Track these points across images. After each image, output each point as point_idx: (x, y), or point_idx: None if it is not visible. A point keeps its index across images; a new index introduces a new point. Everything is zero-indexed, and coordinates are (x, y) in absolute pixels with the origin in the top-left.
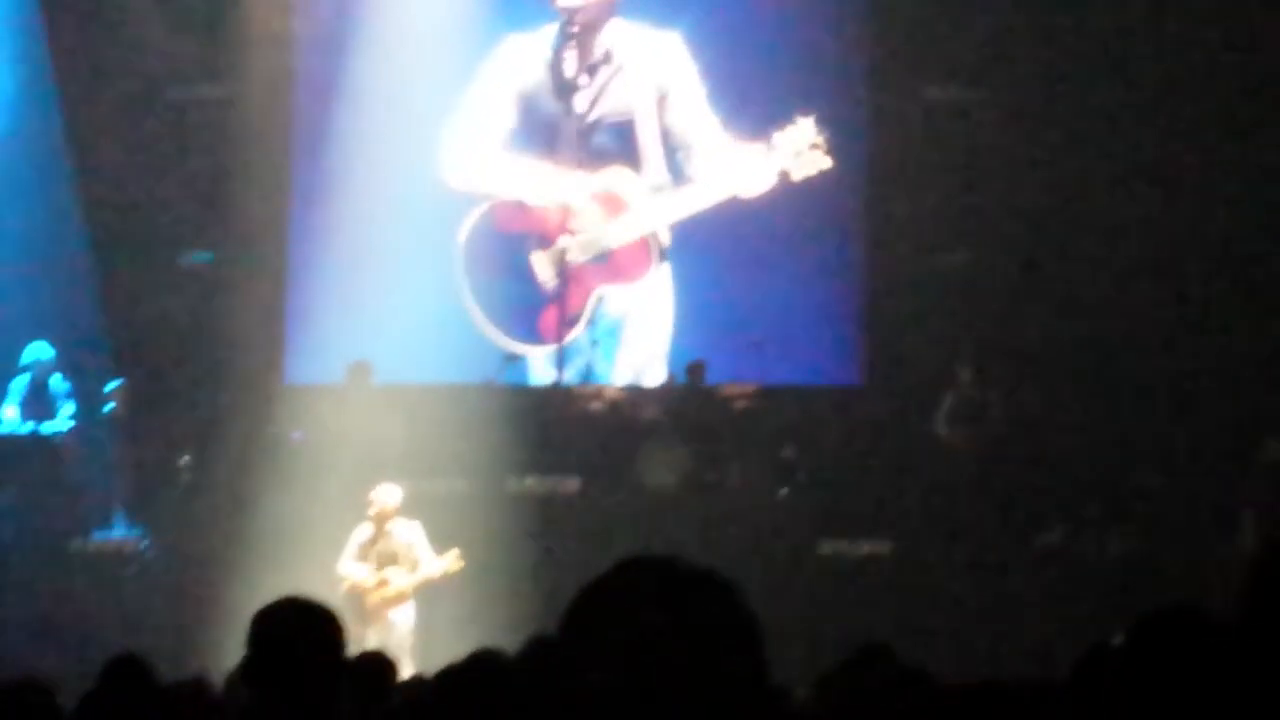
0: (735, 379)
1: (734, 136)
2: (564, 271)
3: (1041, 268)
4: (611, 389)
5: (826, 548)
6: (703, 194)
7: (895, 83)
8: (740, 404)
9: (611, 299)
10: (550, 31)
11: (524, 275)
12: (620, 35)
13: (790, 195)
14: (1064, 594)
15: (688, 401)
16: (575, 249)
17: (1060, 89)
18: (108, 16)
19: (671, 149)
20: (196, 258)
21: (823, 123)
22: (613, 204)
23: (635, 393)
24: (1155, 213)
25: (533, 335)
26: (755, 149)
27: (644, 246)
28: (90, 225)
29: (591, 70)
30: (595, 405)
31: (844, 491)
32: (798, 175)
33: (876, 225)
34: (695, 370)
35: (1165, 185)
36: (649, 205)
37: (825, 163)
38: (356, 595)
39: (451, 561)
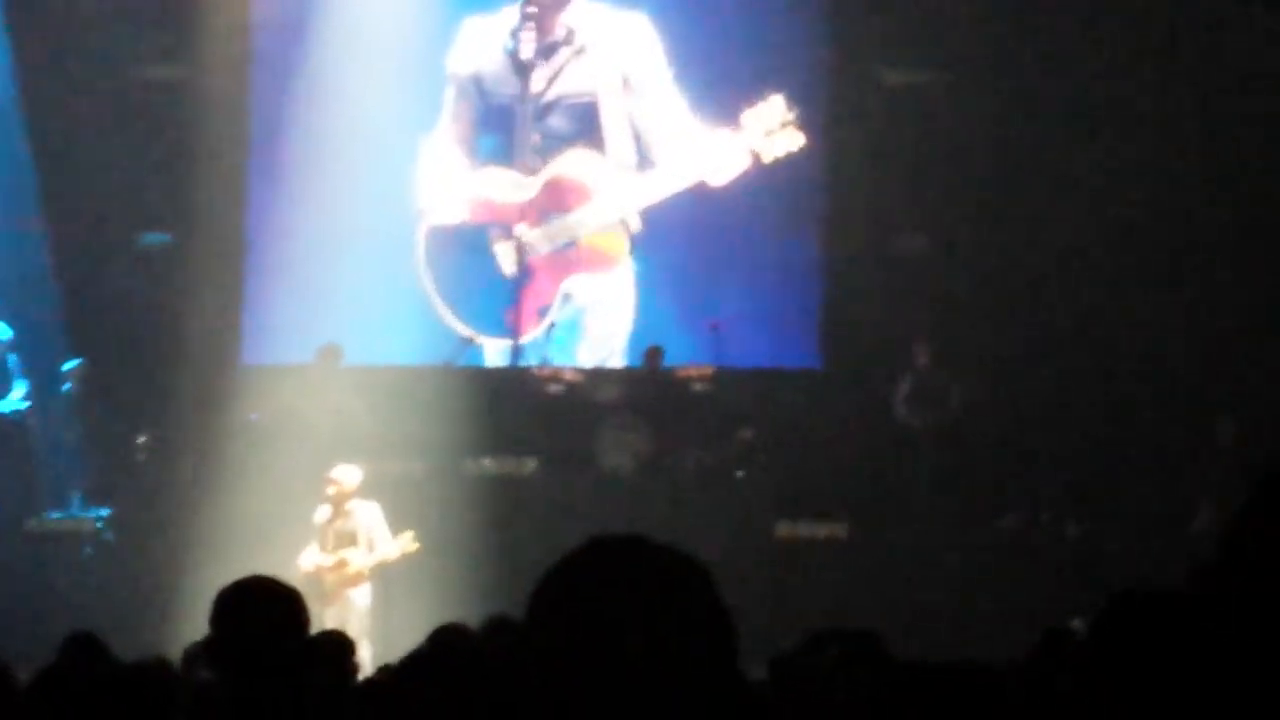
0: (694, 362)
1: (702, 120)
2: (524, 263)
3: (998, 251)
4: (569, 371)
5: (784, 529)
6: (670, 179)
7: (854, 67)
8: (698, 386)
9: (577, 291)
10: (511, 14)
11: (487, 267)
12: (583, 16)
13: (750, 179)
14: (1021, 577)
15: (645, 383)
16: (538, 239)
17: (1018, 72)
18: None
19: (637, 133)
20: (153, 239)
21: (791, 102)
22: (579, 192)
23: (593, 374)
24: (1114, 196)
25: (496, 328)
26: (723, 132)
27: (614, 235)
28: (47, 205)
29: (549, 51)
30: (553, 387)
31: (802, 474)
32: (769, 156)
33: (836, 209)
34: (653, 355)
35: (1125, 168)
36: (615, 190)
37: (798, 140)
38: (315, 575)
39: (407, 543)
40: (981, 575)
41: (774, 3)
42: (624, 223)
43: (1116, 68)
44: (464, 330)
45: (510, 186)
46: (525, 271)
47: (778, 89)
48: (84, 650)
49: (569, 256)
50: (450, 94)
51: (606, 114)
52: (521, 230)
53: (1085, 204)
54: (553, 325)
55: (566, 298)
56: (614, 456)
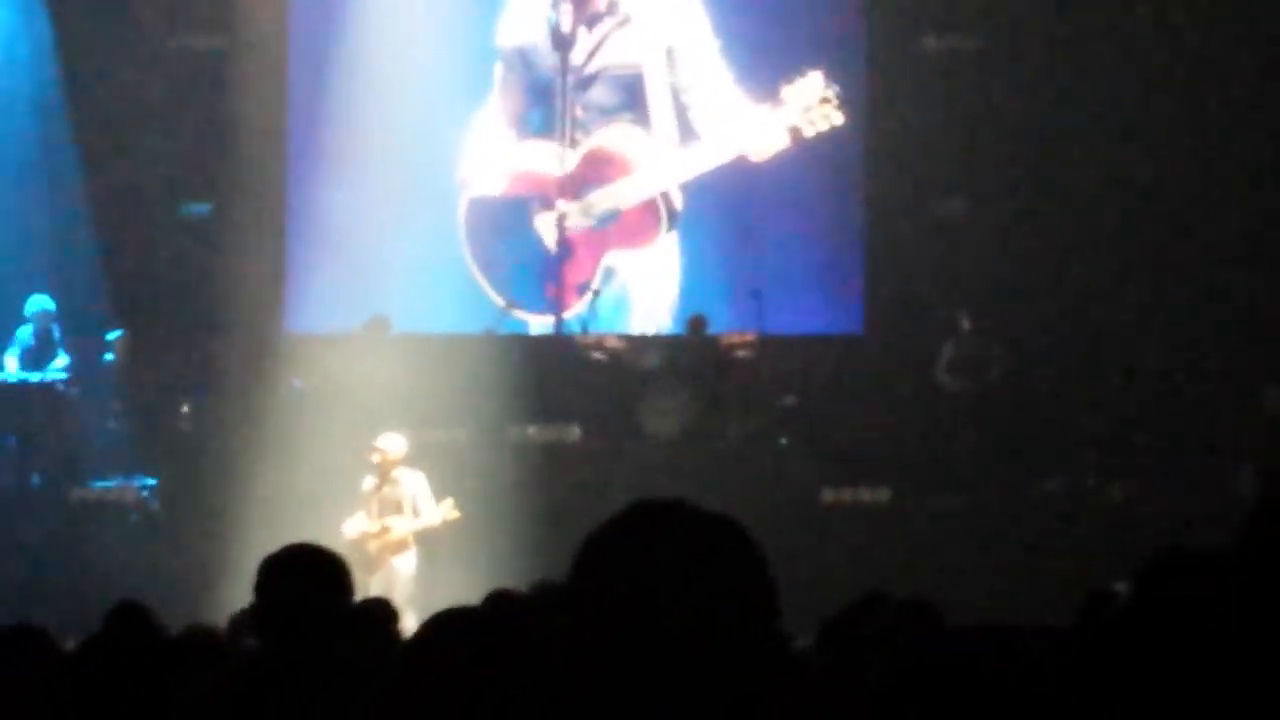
0: (737, 328)
1: (747, 94)
2: (564, 238)
3: (1040, 217)
4: (612, 338)
5: (827, 495)
6: (711, 154)
7: (893, 33)
8: (741, 353)
9: (619, 265)
10: None
11: (528, 241)
12: None
13: (792, 148)
14: (1064, 541)
15: (688, 350)
16: (577, 213)
17: (1056, 38)
18: None
19: (681, 106)
20: (195, 209)
21: (830, 77)
22: (619, 165)
23: (636, 341)
24: (1153, 161)
25: (538, 303)
26: (763, 108)
27: (653, 210)
28: (89, 177)
29: (591, 22)
30: (596, 354)
31: (844, 440)
32: (809, 132)
33: (877, 175)
34: (696, 324)
35: (1164, 134)
36: (655, 163)
37: (837, 118)
38: (359, 542)
39: (448, 510)
40: (1025, 539)
41: None
42: (665, 196)
43: (1157, 31)
44: (509, 313)
45: (551, 159)
46: (566, 246)
47: (816, 64)
48: (130, 620)
49: (609, 231)
50: (498, 67)
51: (651, 86)
52: (561, 204)
53: (1128, 168)
54: (596, 293)
55: (609, 272)
56: (657, 423)
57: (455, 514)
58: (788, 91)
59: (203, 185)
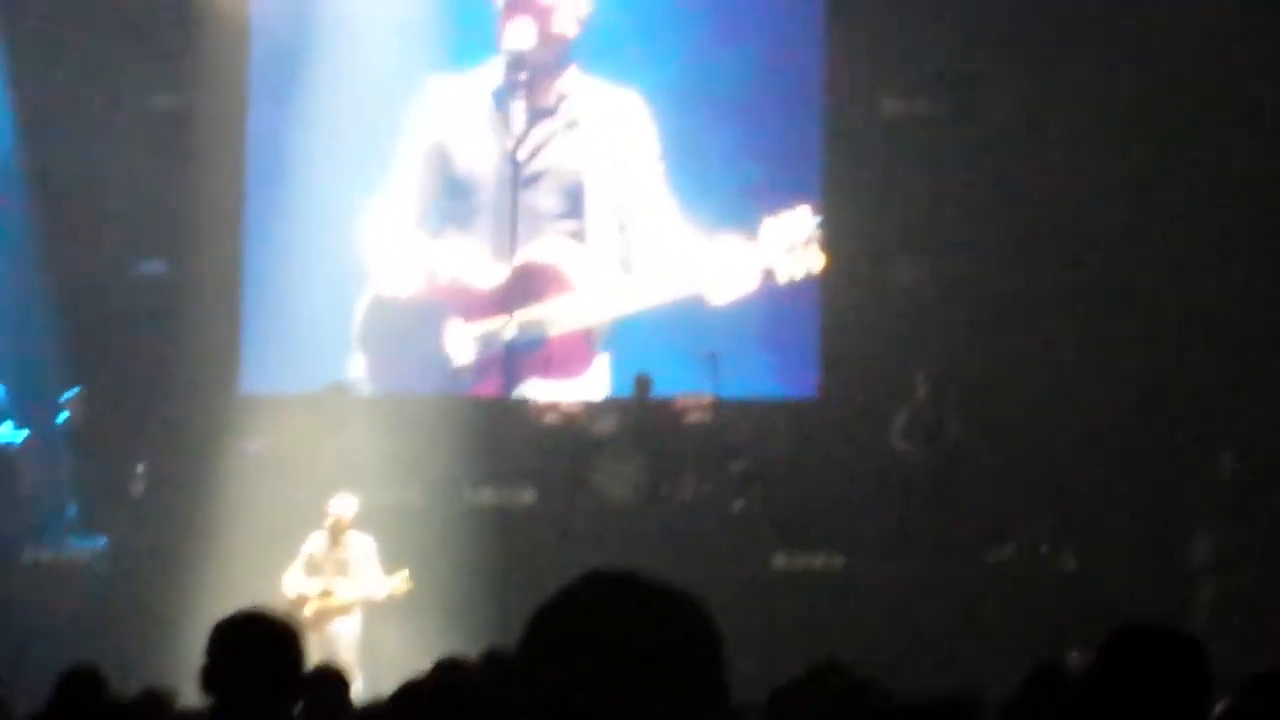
0: (690, 391)
1: (700, 223)
2: (481, 358)
3: (997, 281)
4: (566, 401)
5: (780, 561)
6: (663, 290)
7: (851, 96)
8: (695, 416)
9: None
10: (484, 74)
11: (432, 354)
12: (576, 86)
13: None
14: (1016, 610)
15: (642, 414)
16: (501, 331)
17: (1016, 100)
18: (65, 28)
19: (622, 224)
20: (150, 268)
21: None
22: (554, 282)
23: (590, 405)
24: (1112, 228)
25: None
26: (734, 242)
27: (586, 340)
28: (45, 234)
29: (536, 118)
30: (550, 417)
31: (798, 505)
32: (784, 277)
33: (832, 238)
34: (642, 383)
35: (1124, 200)
36: (597, 291)
37: (818, 261)
38: (297, 603)
39: (399, 584)
40: (979, 607)
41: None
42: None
43: (1113, 96)
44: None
45: (476, 266)
46: (481, 366)
47: (786, 189)
48: (82, 685)
49: (533, 357)
50: (412, 155)
51: (591, 200)
52: (483, 322)
53: (1087, 232)
54: (714, 356)
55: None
56: (611, 487)
57: (407, 586)
58: (769, 225)
59: (159, 244)
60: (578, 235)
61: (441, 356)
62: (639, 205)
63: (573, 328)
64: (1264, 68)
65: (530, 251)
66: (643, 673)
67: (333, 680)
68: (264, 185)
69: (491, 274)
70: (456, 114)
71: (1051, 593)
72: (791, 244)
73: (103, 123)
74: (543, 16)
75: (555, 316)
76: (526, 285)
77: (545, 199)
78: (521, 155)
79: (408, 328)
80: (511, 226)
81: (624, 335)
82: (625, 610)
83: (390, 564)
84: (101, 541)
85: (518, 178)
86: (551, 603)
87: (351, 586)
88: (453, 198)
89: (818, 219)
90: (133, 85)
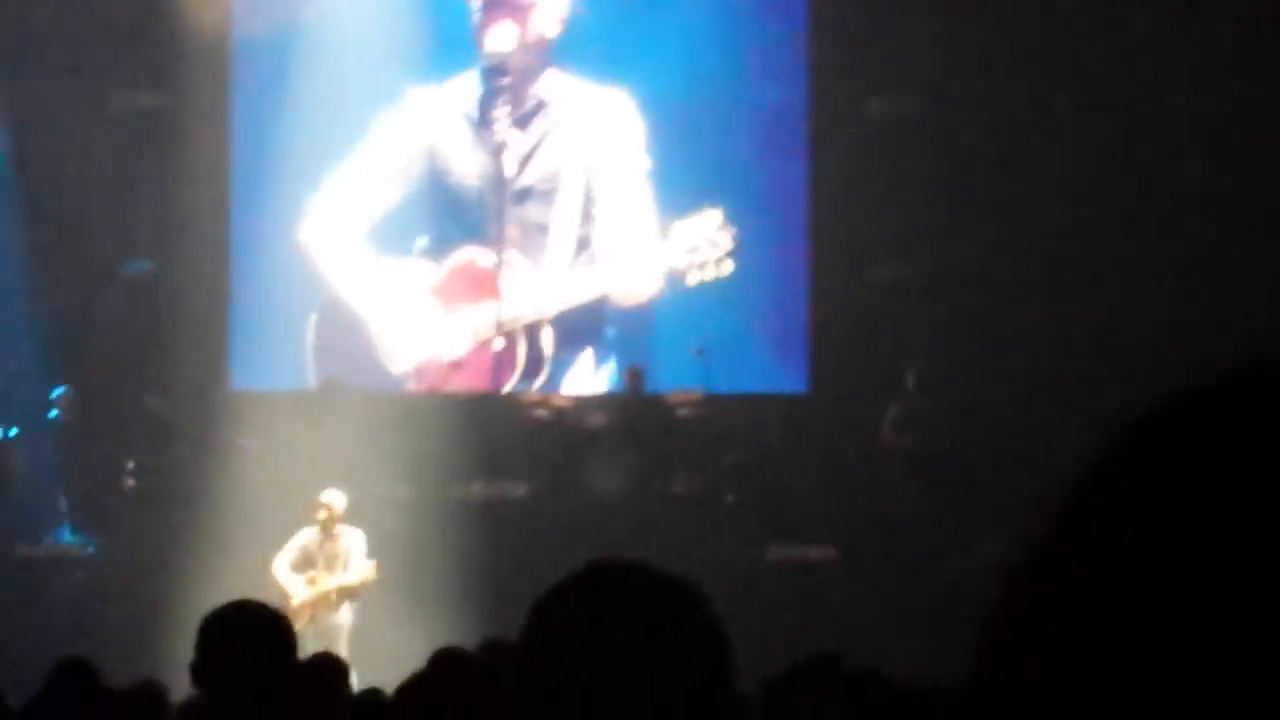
0: (682, 387)
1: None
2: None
3: (986, 276)
4: (558, 396)
5: (774, 554)
6: (577, 290)
7: (836, 95)
8: (686, 411)
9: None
10: (461, 84)
11: (374, 367)
12: (560, 89)
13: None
14: None
15: (634, 409)
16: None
17: (1001, 99)
18: (46, 25)
19: (592, 218)
20: (137, 266)
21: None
22: (486, 287)
23: (582, 399)
24: (1097, 225)
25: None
26: (643, 243)
27: (509, 357)
28: (31, 234)
29: (520, 126)
30: (542, 412)
31: (791, 498)
32: (694, 278)
33: (822, 235)
34: (634, 376)
35: (1107, 198)
36: (519, 293)
37: (726, 268)
38: (281, 596)
39: (369, 571)
40: (971, 598)
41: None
42: (531, 334)
43: (1101, 94)
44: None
45: (414, 272)
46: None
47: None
48: (75, 676)
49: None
50: (378, 164)
51: (569, 195)
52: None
53: (1074, 230)
54: (702, 353)
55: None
56: (604, 482)
57: (374, 576)
58: (680, 228)
59: (146, 242)
60: (544, 230)
61: (381, 363)
62: (612, 202)
63: (489, 335)
64: (1251, 70)
65: (468, 254)
66: (651, 661)
67: (331, 669)
68: (250, 182)
69: (427, 278)
70: (435, 126)
71: None
72: (695, 246)
73: (88, 122)
74: (523, 17)
75: (479, 323)
76: (457, 289)
77: (534, 206)
78: (508, 165)
79: (352, 340)
80: (499, 235)
81: (616, 329)
82: (632, 598)
83: (381, 559)
84: (92, 538)
85: (504, 188)
86: (556, 591)
87: (332, 578)
88: (436, 210)
89: (729, 224)
90: (114, 83)
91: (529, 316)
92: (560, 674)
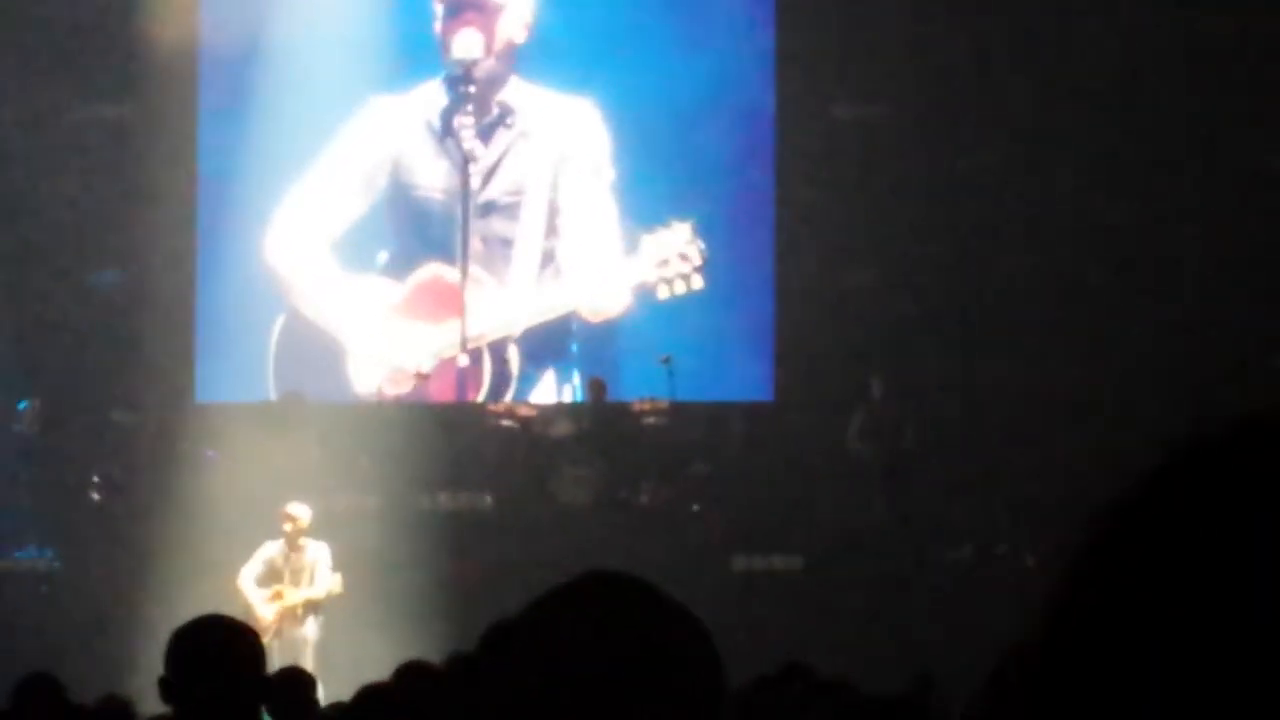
0: (647, 396)
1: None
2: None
3: (950, 282)
4: (523, 406)
5: (739, 563)
6: (545, 307)
7: (802, 100)
8: (651, 420)
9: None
10: (425, 93)
11: (340, 385)
12: (525, 97)
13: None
14: (975, 609)
15: (599, 418)
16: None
17: (968, 103)
18: (10, 36)
19: (557, 230)
20: (104, 278)
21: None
22: (451, 303)
23: (547, 409)
24: (1063, 228)
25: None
26: (611, 258)
27: (474, 374)
28: None
29: (485, 135)
30: (507, 422)
31: (756, 507)
32: (664, 293)
33: (786, 243)
34: (596, 387)
35: (1074, 201)
36: (487, 310)
37: (697, 283)
38: (246, 610)
39: (335, 584)
40: (937, 607)
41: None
42: (497, 351)
43: (1064, 100)
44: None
45: (378, 287)
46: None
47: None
48: (40, 692)
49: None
50: (341, 174)
51: (533, 206)
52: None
53: (1040, 236)
54: (668, 360)
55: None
56: (569, 492)
57: (339, 590)
58: (648, 242)
59: (112, 254)
60: (509, 245)
61: (345, 376)
62: (578, 216)
63: (454, 353)
64: (1229, 69)
65: (433, 269)
66: (641, 672)
67: (299, 682)
68: (215, 195)
69: (391, 294)
70: (398, 136)
71: (1009, 593)
72: (665, 259)
73: (52, 133)
74: (488, 23)
75: (444, 340)
76: (422, 305)
77: (498, 220)
78: (472, 178)
79: (315, 353)
80: (463, 245)
81: (579, 340)
82: (626, 610)
83: (346, 570)
84: (58, 551)
85: (468, 201)
86: (546, 600)
87: (297, 591)
88: (400, 223)
89: (698, 237)
90: (81, 95)
91: (495, 334)
92: (547, 685)
